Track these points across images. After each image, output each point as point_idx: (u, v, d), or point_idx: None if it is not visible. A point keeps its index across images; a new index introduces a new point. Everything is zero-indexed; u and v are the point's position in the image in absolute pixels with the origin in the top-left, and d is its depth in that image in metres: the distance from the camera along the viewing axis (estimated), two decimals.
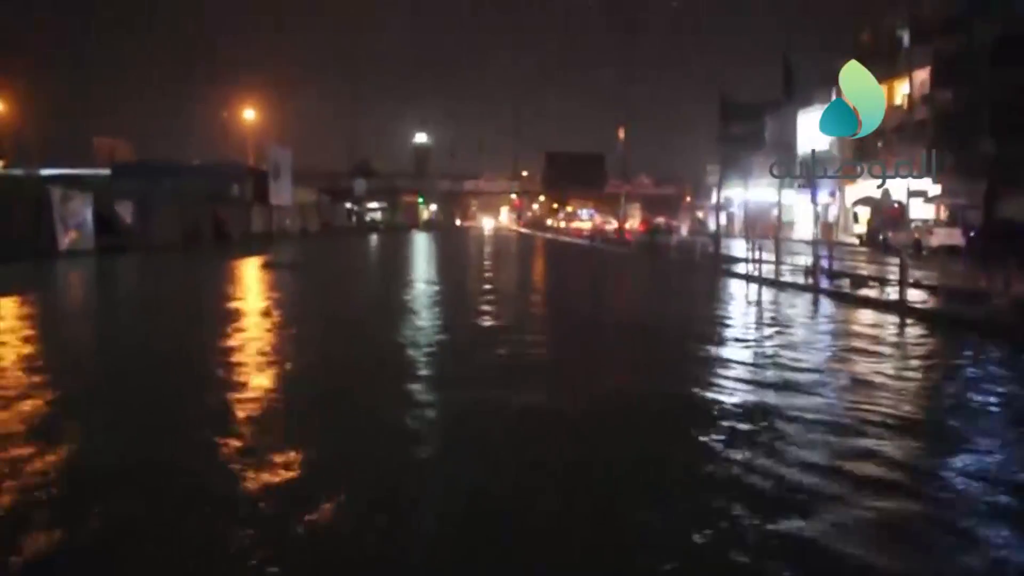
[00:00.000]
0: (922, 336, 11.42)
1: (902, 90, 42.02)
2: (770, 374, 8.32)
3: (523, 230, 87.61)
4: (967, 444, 5.91)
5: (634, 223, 70.32)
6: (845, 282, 17.74)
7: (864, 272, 20.90)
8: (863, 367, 8.72)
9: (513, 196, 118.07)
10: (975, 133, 34.09)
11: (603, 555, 3.97)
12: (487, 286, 19.63)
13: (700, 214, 79.41)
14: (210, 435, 5.83)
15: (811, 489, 4.76)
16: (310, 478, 4.98)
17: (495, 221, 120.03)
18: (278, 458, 5.31)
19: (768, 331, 11.77)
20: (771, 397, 7.21)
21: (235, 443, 5.65)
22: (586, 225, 71.24)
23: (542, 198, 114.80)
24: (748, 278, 20.70)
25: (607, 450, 5.69)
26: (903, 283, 14.07)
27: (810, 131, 50.20)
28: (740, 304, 16.04)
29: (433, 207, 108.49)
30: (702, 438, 5.92)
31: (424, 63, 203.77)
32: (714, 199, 69.73)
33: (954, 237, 30.45)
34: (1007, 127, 32.54)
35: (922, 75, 40.01)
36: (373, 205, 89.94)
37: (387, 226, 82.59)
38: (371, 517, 4.36)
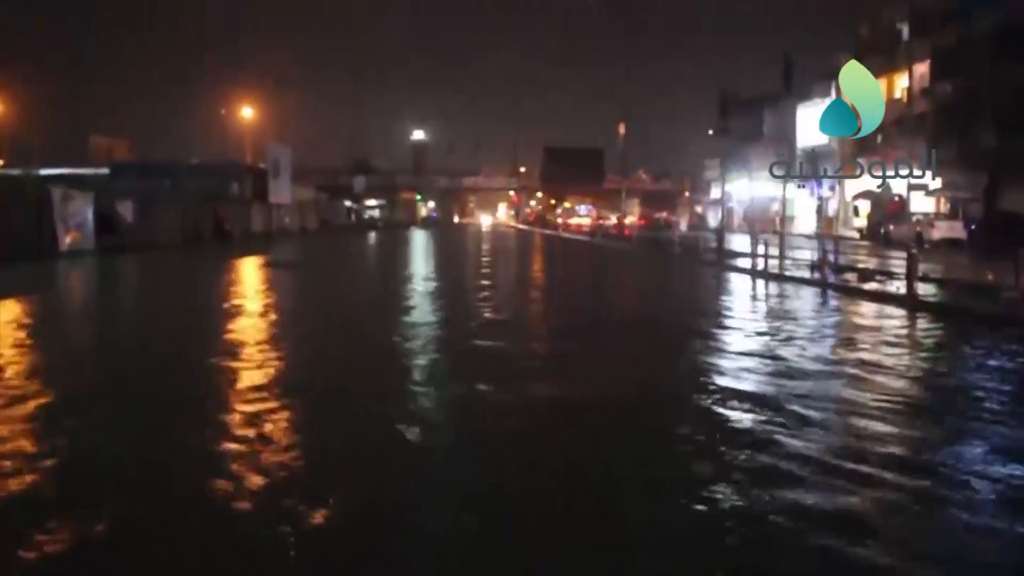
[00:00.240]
0: (936, 330, 11.45)
1: (901, 83, 42.07)
2: (807, 366, 8.36)
3: (522, 227, 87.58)
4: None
5: (633, 219, 70.35)
6: (852, 276, 17.77)
7: (869, 266, 20.91)
8: (888, 359, 8.74)
9: (511, 192, 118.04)
10: (975, 125, 34.15)
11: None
12: (485, 282, 19.63)
13: (699, 209, 79.46)
14: (210, 434, 5.85)
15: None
16: (309, 475, 5.05)
17: (493, 218, 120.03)
18: (279, 455, 5.35)
19: (788, 326, 11.74)
20: (811, 388, 7.29)
21: (235, 443, 5.65)
22: (586, 221, 71.18)
23: (540, 194, 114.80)
24: (755, 273, 20.70)
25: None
26: (912, 277, 14.07)
27: (809, 125, 50.55)
28: (755, 301, 15.98)
29: (431, 204, 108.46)
30: (776, 420, 5.94)
31: (423, 60, 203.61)
32: (715, 194, 69.91)
33: (955, 230, 30.53)
34: (1007, 119, 32.60)
35: (922, 68, 40.05)
36: (372, 202, 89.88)
37: (386, 223, 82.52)
38: (369, 515, 4.41)
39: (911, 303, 13.39)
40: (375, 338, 10.80)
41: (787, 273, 19.37)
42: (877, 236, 36.06)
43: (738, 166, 59.96)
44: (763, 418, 6.29)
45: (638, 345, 10.60)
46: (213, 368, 8.48)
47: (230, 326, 11.77)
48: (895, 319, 12.31)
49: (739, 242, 30.84)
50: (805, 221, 48.87)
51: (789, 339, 10.32)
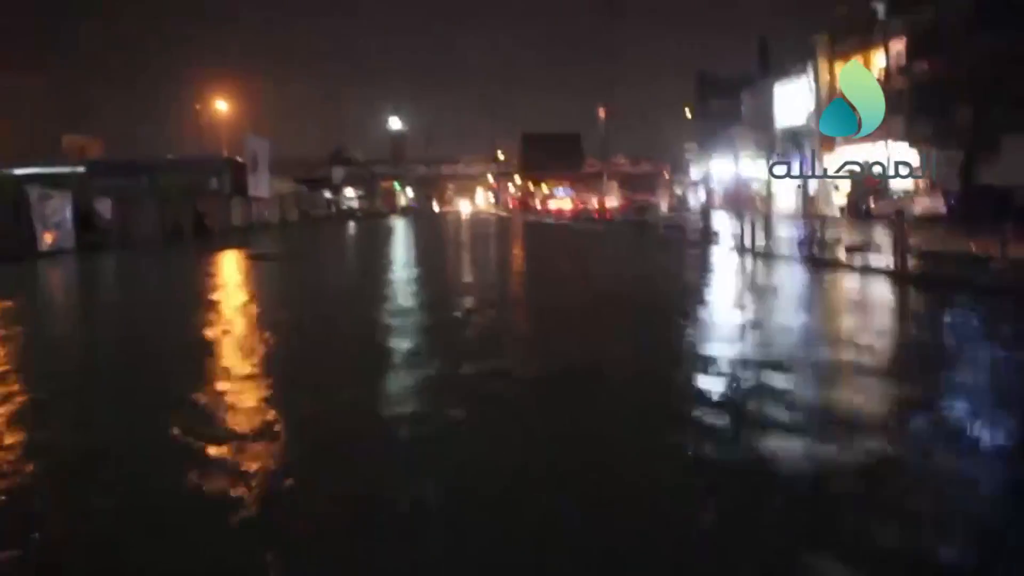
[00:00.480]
0: (932, 301, 11.63)
1: (878, 62, 42.30)
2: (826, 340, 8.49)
3: (503, 213, 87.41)
4: None
5: (612, 202, 70.47)
6: (840, 252, 17.90)
7: (854, 241, 21.05)
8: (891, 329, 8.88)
9: (490, 178, 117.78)
10: (952, 102, 34.43)
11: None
12: (468, 279, 19.59)
13: (678, 191, 79.65)
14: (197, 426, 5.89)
15: None
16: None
17: (472, 205, 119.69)
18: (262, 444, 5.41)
19: (790, 303, 11.87)
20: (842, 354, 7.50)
21: (220, 436, 5.68)
22: (567, 205, 71.18)
23: (519, 180, 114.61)
24: (743, 252, 20.81)
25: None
26: (904, 252, 14.23)
27: (788, 105, 50.80)
28: (756, 281, 16.10)
29: (410, 193, 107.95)
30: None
31: (400, 49, 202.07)
32: (697, 175, 70.16)
33: (936, 204, 30.84)
34: (983, 95, 32.91)
35: (898, 46, 40.28)
36: (351, 193, 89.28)
37: (365, 213, 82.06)
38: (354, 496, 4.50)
39: (903, 277, 13.55)
40: (362, 322, 10.95)
41: (778, 252, 19.49)
42: (858, 213, 36.37)
43: (717, 147, 60.22)
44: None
45: (682, 326, 10.61)
46: (209, 361, 8.47)
47: (225, 318, 11.70)
48: (892, 293, 12.49)
49: (723, 222, 30.92)
50: (785, 200, 49.12)
51: (799, 316, 10.44)
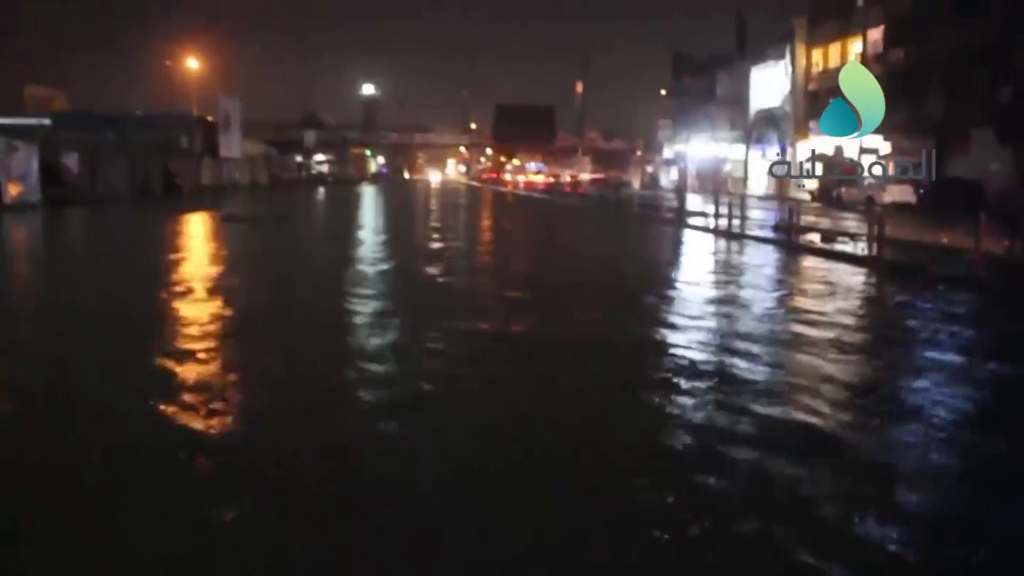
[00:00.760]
0: (907, 291, 11.90)
1: (855, 48, 42.70)
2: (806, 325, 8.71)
3: (474, 183, 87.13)
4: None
5: (586, 176, 70.58)
6: (816, 237, 18.21)
7: (828, 227, 21.41)
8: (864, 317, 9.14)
9: (462, 149, 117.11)
10: (925, 91, 34.96)
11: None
12: (437, 244, 19.59)
13: (650, 169, 79.87)
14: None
15: None
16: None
17: (443, 174, 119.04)
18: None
19: (770, 284, 12.11)
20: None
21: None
22: (539, 179, 71.12)
23: (490, 151, 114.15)
24: (718, 232, 21.05)
25: None
26: (880, 239, 14.53)
27: (763, 87, 51.12)
28: (731, 262, 16.34)
29: (381, 160, 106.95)
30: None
31: (374, 12, 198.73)
32: (667, 154, 70.46)
33: (906, 194, 31.35)
34: (955, 86, 33.46)
35: (875, 34, 40.67)
36: (321, 158, 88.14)
37: (335, 179, 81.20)
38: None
39: (877, 265, 13.86)
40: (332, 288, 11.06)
41: (752, 233, 19.76)
42: (828, 199, 36.82)
43: (692, 127, 60.47)
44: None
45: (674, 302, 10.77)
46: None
47: (209, 279, 11.62)
48: (865, 281, 12.78)
49: (693, 202, 31.19)
50: (758, 182, 49.63)
51: (789, 298, 10.67)
